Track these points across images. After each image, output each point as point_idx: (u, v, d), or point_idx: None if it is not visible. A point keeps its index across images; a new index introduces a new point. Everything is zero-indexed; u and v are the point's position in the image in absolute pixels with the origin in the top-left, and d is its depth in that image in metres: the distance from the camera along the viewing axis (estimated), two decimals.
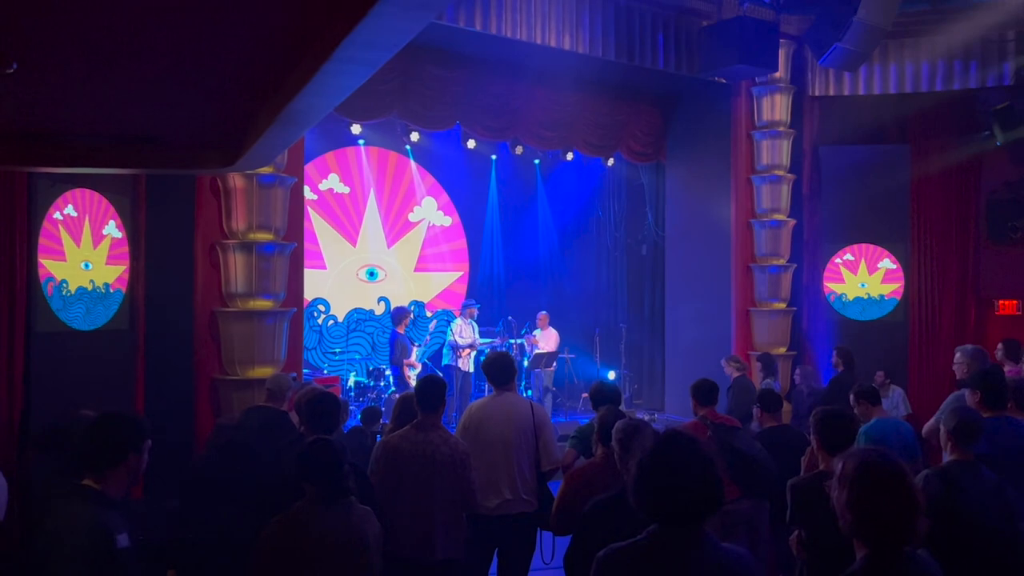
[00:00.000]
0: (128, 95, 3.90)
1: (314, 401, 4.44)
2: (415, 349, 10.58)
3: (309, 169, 10.50)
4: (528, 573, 4.93)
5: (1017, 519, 3.69)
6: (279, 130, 4.02)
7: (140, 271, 7.17)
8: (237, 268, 7.43)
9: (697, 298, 10.93)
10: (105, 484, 2.92)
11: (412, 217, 12.68)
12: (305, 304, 9.25)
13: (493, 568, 4.89)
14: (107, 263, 6.78)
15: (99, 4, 2.72)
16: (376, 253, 12.40)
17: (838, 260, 10.74)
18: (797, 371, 9.38)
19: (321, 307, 11.89)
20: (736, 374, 8.27)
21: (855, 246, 10.68)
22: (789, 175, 10.43)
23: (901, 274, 10.55)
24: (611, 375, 11.55)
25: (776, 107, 10.34)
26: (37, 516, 2.90)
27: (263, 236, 7.47)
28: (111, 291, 6.83)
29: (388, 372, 10.50)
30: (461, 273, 13.18)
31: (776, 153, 10.39)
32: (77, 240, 6.46)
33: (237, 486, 4.34)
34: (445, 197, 12.96)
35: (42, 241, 6.08)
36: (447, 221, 13.00)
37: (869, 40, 8.91)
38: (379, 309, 12.37)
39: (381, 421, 6.77)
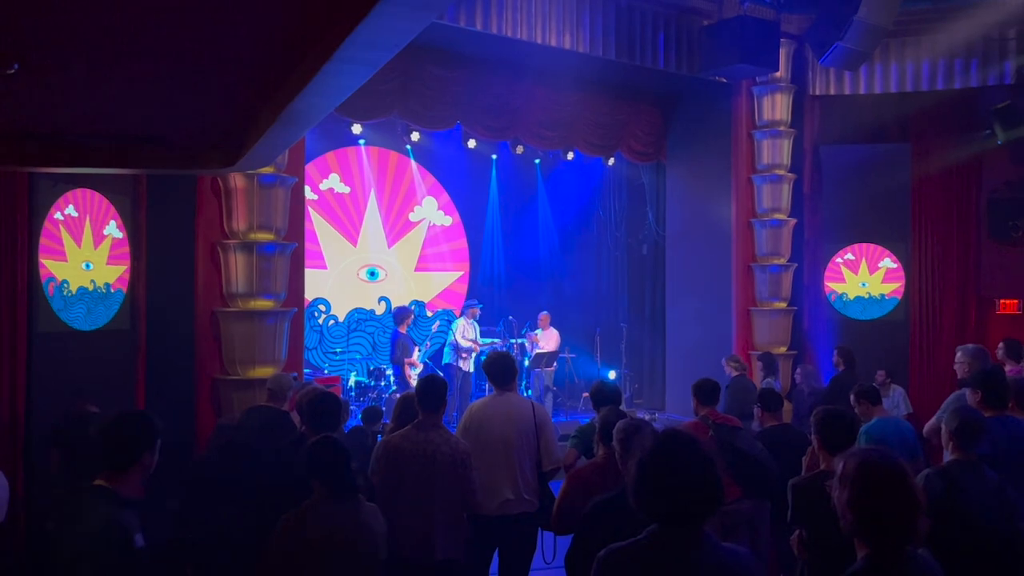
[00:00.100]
0: (128, 95, 3.90)
1: (315, 401, 4.45)
2: (416, 349, 10.58)
3: (310, 169, 10.51)
4: (529, 573, 4.93)
5: (1018, 519, 3.69)
6: (280, 130, 4.02)
7: (141, 271, 7.17)
8: (238, 268, 7.43)
9: (698, 297, 10.93)
10: (120, 484, 2.92)
11: (413, 217, 12.68)
12: (306, 304, 9.25)
13: (494, 568, 4.89)
14: (108, 263, 6.79)
15: (99, 4, 2.72)
16: (377, 253, 12.40)
17: (839, 259, 10.74)
18: (798, 371, 9.38)
19: (322, 307, 11.90)
20: (735, 374, 8.27)
21: (856, 245, 10.67)
22: (790, 174, 10.43)
23: (902, 273, 10.54)
24: (612, 375, 11.54)
25: (777, 106, 10.33)
26: (50, 516, 2.89)
27: (264, 236, 7.47)
28: (112, 291, 6.84)
29: (389, 372, 10.50)
30: (461, 273, 13.18)
31: (777, 152, 10.39)
32: (78, 240, 6.47)
33: (238, 486, 4.35)
34: (446, 197, 12.96)
35: (43, 241, 6.08)
36: (447, 221, 13.01)
37: (870, 39, 8.91)
38: (380, 309, 12.38)
39: (382, 421, 6.78)
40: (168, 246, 7.36)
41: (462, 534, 4.39)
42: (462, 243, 13.16)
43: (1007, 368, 6.25)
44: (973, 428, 3.87)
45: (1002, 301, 10.39)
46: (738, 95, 10.46)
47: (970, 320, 10.47)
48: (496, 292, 13.01)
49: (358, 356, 11.99)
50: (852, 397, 5.69)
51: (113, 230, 6.86)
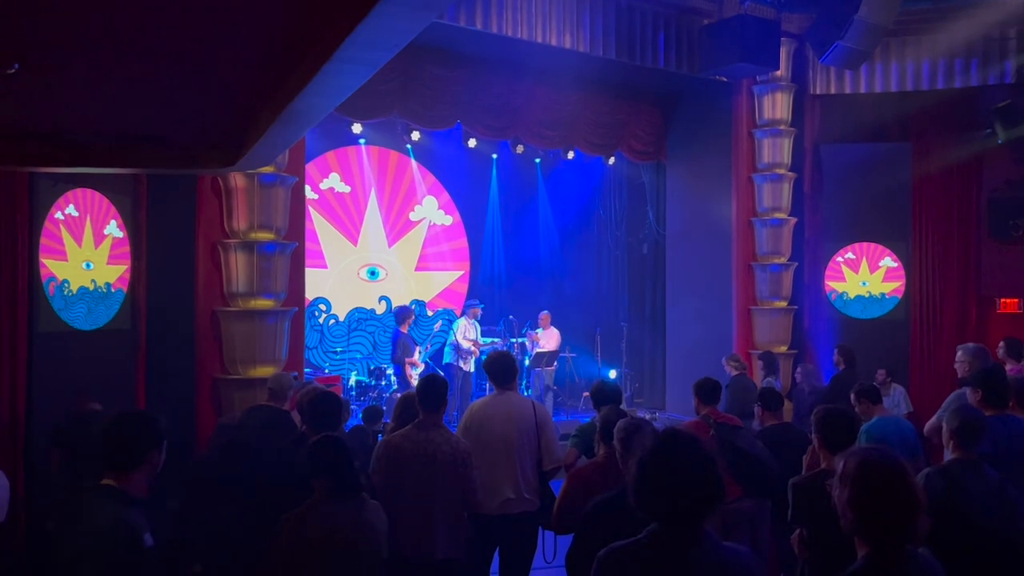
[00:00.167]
0: (129, 95, 3.90)
1: (316, 400, 4.45)
2: (417, 349, 10.59)
3: (310, 168, 10.51)
4: (530, 572, 4.93)
5: (1018, 518, 3.69)
6: (280, 130, 4.03)
7: (141, 271, 7.17)
8: (238, 267, 7.43)
9: (698, 297, 10.93)
10: (128, 483, 2.92)
11: (413, 216, 12.68)
12: (306, 303, 9.26)
13: (494, 567, 4.89)
14: (108, 263, 6.79)
15: (99, 4, 2.72)
16: (377, 252, 12.40)
17: (839, 258, 10.73)
18: (798, 370, 9.37)
19: (322, 306, 11.90)
20: (735, 373, 8.27)
21: (856, 244, 10.66)
22: (790, 173, 10.43)
23: (902, 272, 10.53)
24: (612, 374, 11.55)
25: (777, 105, 10.33)
26: (51, 516, 2.89)
27: (264, 235, 7.47)
28: (112, 291, 6.84)
29: (389, 371, 10.51)
30: (462, 272, 13.18)
31: (777, 151, 10.38)
32: (79, 240, 6.47)
33: (238, 485, 4.35)
34: (446, 196, 12.96)
35: (44, 241, 6.09)
36: (448, 220, 13.01)
37: (870, 38, 8.90)
38: (380, 308, 12.38)
39: (382, 420, 6.78)
40: (169, 246, 7.36)
41: (463, 533, 4.39)
42: (462, 242, 13.16)
43: (1007, 367, 6.25)
44: (974, 427, 3.86)
45: (1002, 300, 10.40)
46: (738, 94, 10.45)
47: (970, 319, 10.47)
48: (496, 291, 13.01)
49: (358, 355, 11.99)
50: (852, 396, 5.68)
51: (114, 230, 6.86)
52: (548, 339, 11.33)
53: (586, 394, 10.10)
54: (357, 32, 2.69)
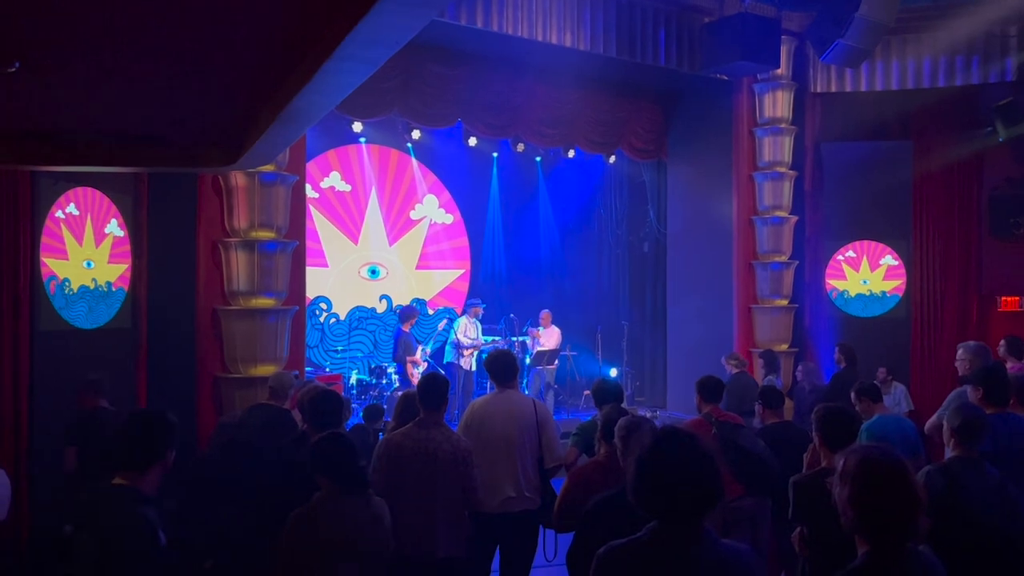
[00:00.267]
0: (129, 94, 3.90)
1: (317, 399, 4.45)
2: (419, 347, 10.59)
3: (311, 167, 10.51)
4: (530, 570, 4.94)
5: (1019, 516, 3.69)
6: (280, 128, 4.03)
7: (142, 269, 7.18)
8: (239, 266, 7.44)
9: (699, 295, 10.93)
10: (141, 482, 2.93)
11: (414, 215, 12.69)
12: (307, 302, 9.26)
13: (495, 565, 4.90)
14: (109, 262, 6.80)
15: (99, 4, 2.73)
16: (378, 251, 12.41)
17: (840, 257, 10.73)
18: (799, 368, 9.38)
19: (323, 305, 11.91)
20: (735, 371, 8.27)
21: (857, 243, 10.66)
22: (791, 172, 10.42)
23: (903, 271, 10.53)
24: (613, 372, 11.55)
25: (778, 104, 10.32)
26: (69, 517, 2.89)
27: (265, 234, 7.47)
28: (113, 289, 6.85)
29: (391, 370, 10.52)
30: (463, 271, 13.18)
31: (778, 150, 10.38)
32: (79, 239, 6.47)
33: (239, 484, 4.35)
34: (446, 195, 12.96)
35: (44, 240, 6.09)
36: (448, 219, 13.01)
37: (871, 36, 8.89)
38: (381, 307, 12.38)
39: (383, 419, 6.78)
40: (169, 244, 7.37)
41: (464, 532, 4.39)
42: (463, 241, 13.16)
43: (1008, 365, 6.25)
44: (975, 425, 3.86)
45: (1003, 298, 10.40)
46: (739, 92, 10.45)
47: (971, 317, 10.46)
48: (497, 290, 13.01)
49: (359, 354, 12.00)
50: (853, 394, 5.68)
51: (114, 228, 6.87)
52: (549, 337, 11.33)
53: (587, 392, 10.12)
54: (357, 30, 2.69)
